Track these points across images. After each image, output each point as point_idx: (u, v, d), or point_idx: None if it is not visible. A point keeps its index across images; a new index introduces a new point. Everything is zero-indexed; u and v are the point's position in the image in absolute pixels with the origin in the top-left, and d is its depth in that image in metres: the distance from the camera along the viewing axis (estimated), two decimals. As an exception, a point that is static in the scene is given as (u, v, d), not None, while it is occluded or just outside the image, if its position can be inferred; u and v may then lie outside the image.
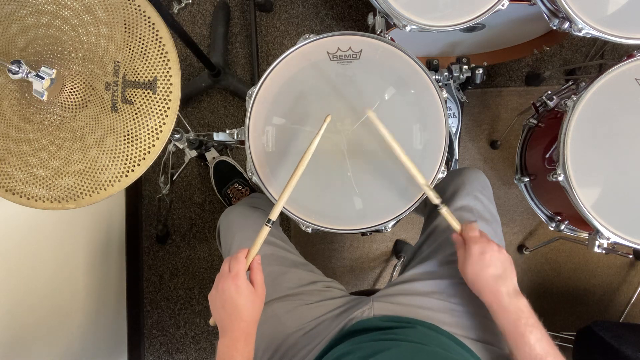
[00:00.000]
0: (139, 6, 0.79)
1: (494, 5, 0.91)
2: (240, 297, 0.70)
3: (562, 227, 1.13)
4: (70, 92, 0.78)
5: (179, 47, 1.57)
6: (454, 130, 1.41)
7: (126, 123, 0.79)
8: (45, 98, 0.74)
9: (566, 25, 0.92)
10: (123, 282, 1.61)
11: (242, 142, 0.89)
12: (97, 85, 0.79)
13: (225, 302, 0.71)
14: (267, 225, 0.77)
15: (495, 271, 0.72)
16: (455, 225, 0.80)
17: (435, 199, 0.80)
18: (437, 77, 1.01)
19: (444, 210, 0.80)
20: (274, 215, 0.77)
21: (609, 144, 0.90)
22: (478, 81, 1.06)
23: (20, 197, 0.78)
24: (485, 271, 0.72)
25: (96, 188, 0.79)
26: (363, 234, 0.93)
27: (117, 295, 1.58)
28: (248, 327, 0.71)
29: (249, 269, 0.75)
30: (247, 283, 0.72)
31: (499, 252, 0.73)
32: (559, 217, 1.15)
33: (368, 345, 0.70)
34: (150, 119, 0.79)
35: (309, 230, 0.88)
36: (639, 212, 0.88)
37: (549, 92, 1.10)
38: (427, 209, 1.11)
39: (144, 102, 0.79)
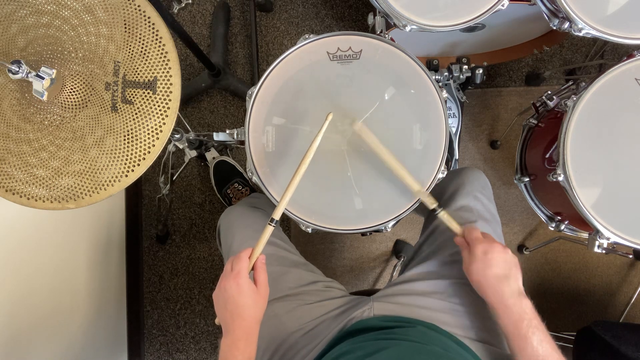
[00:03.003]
0: (139, 6, 0.79)
1: (494, 5, 0.91)
2: (241, 296, 0.70)
3: (562, 227, 1.12)
4: (70, 92, 0.78)
5: (179, 47, 1.57)
6: (454, 130, 1.41)
7: (126, 123, 0.79)
8: (45, 98, 0.74)
9: (566, 25, 0.92)
10: (123, 282, 1.61)
11: (242, 142, 0.89)
12: (97, 85, 0.79)
13: (227, 301, 0.71)
14: (270, 225, 0.76)
15: (499, 271, 0.71)
16: (456, 228, 0.80)
17: (431, 205, 0.80)
18: (437, 77, 1.01)
19: (442, 214, 0.80)
20: (277, 215, 0.77)
21: (609, 144, 0.90)
22: (478, 81, 1.06)
23: (20, 197, 0.78)
24: (489, 271, 0.72)
25: (96, 188, 0.79)
26: (363, 234, 0.93)
27: (117, 295, 1.58)
28: (250, 326, 0.71)
29: (252, 269, 0.75)
30: (249, 282, 0.72)
31: (503, 253, 0.73)
32: (559, 217, 1.15)
33: (368, 344, 0.70)
34: (150, 119, 0.79)
35: (309, 230, 0.87)
36: (639, 212, 0.88)
37: (549, 92, 1.10)
38: (427, 209, 1.11)
39: (144, 102, 0.79)
